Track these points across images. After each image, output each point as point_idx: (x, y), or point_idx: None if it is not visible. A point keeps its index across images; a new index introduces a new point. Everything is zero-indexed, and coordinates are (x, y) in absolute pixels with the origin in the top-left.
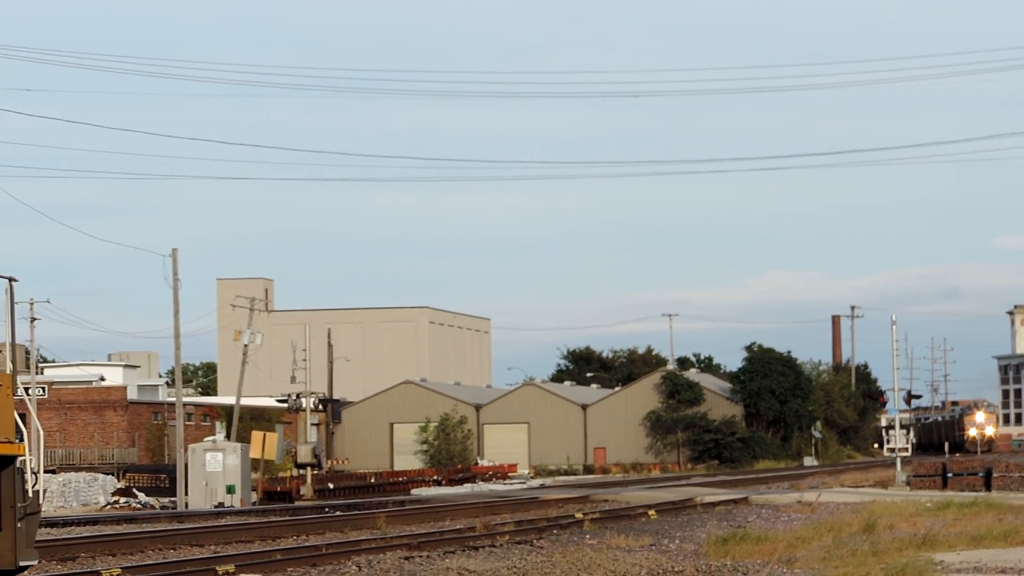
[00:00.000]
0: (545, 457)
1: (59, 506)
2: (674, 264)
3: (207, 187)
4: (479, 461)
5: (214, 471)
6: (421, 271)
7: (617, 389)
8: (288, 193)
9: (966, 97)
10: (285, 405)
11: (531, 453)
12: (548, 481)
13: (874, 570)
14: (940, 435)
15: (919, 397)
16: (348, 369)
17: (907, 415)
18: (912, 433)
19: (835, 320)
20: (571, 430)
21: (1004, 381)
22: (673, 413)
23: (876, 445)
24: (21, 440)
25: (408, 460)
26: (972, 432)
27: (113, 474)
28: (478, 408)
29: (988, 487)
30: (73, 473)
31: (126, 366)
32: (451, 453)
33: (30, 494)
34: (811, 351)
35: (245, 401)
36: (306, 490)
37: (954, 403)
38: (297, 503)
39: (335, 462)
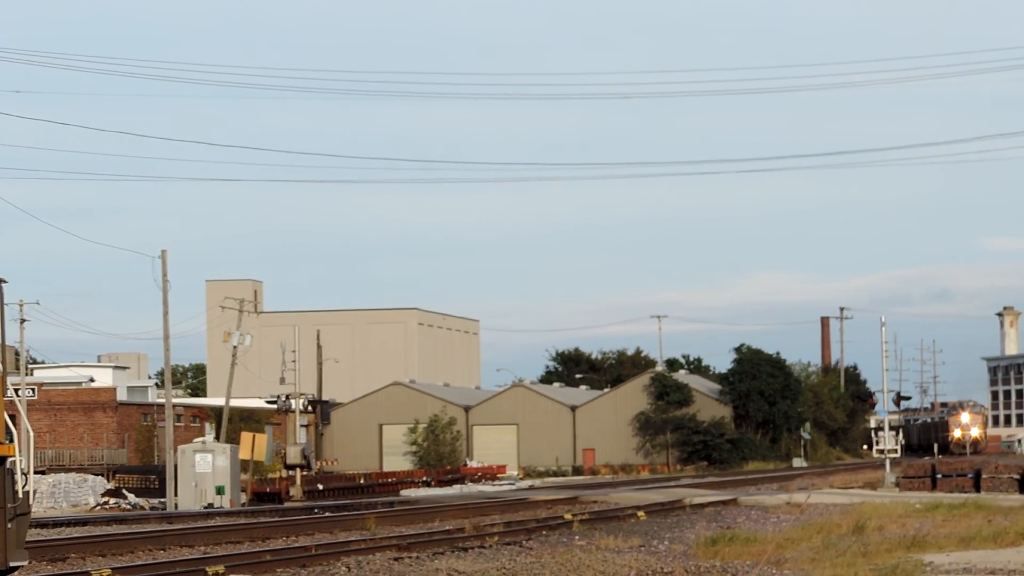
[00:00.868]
0: (534, 458)
1: (49, 507)
2: (663, 265)
3: (196, 188)
4: (468, 462)
5: (204, 472)
6: (410, 272)
7: (606, 390)
8: (277, 194)
9: (956, 98)
10: (274, 406)
11: (520, 454)
12: (537, 482)
13: (863, 571)
14: (929, 436)
15: (908, 399)
16: (337, 370)
17: (896, 416)
18: (901, 434)
19: (824, 321)
20: (560, 431)
21: (993, 382)
22: (662, 414)
23: (865, 446)
24: (11, 441)
25: (397, 461)
26: (957, 433)
27: (103, 475)
28: (467, 409)
29: (977, 488)
30: (63, 474)
31: (115, 367)
32: (440, 454)
33: (20, 495)
34: (800, 352)
35: (234, 402)
36: (295, 491)
37: (943, 405)
38: (286, 504)
39: (324, 463)
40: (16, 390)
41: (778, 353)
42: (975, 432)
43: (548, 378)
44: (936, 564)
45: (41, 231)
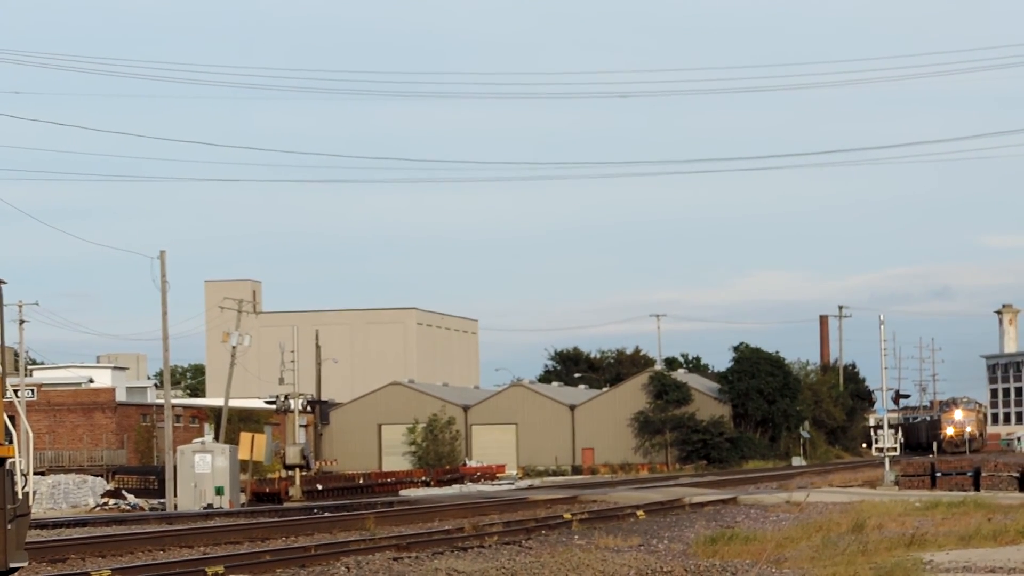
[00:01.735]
0: (533, 458)
1: (49, 508)
2: (662, 264)
3: (195, 189)
4: (467, 462)
5: (203, 473)
6: (409, 272)
7: (605, 390)
8: (276, 195)
9: (955, 96)
10: (273, 406)
11: (519, 454)
12: (536, 482)
13: (863, 570)
14: (927, 435)
15: (907, 397)
16: (336, 370)
17: (895, 415)
18: (900, 433)
19: (823, 320)
20: (559, 431)
21: (992, 380)
22: (661, 413)
23: (864, 445)
24: (10, 442)
25: (396, 461)
26: (949, 431)
27: (102, 476)
28: (466, 409)
29: (977, 487)
30: (62, 475)
31: (115, 368)
32: (439, 454)
33: (20, 496)
34: (799, 351)
35: (233, 403)
36: (295, 491)
37: (942, 403)
38: (286, 504)
39: (323, 463)
40: (15, 391)
41: (777, 352)
42: (970, 429)
43: (547, 377)
44: (936, 562)
45: (40, 232)
